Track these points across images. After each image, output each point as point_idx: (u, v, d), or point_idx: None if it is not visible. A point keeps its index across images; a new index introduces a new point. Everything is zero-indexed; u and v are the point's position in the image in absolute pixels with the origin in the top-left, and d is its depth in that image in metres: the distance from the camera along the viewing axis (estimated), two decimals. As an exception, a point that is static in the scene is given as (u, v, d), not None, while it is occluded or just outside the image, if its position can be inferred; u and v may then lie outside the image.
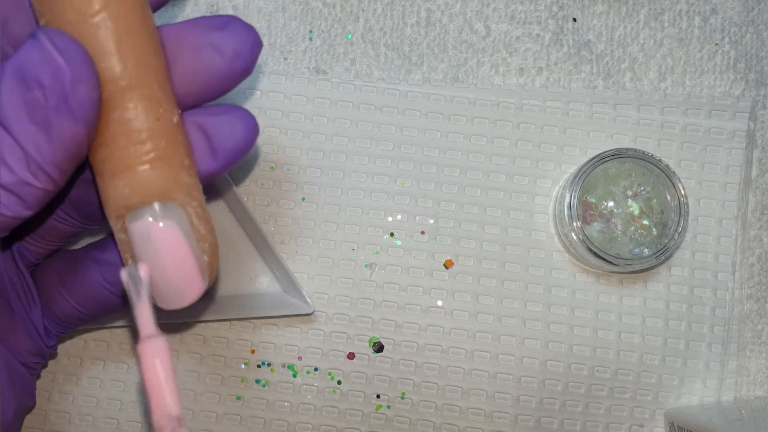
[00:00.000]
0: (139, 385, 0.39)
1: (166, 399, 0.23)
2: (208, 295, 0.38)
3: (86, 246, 0.33)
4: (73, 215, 0.32)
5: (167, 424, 0.23)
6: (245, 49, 0.27)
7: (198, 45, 0.27)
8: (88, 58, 0.24)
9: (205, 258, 0.27)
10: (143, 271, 0.25)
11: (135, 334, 0.39)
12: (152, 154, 0.25)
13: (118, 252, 0.31)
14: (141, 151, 0.25)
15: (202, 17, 0.28)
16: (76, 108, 0.23)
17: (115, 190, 0.25)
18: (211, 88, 0.28)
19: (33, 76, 0.23)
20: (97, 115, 0.24)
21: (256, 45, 0.28)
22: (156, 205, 0.25)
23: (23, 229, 0.32)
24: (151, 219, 0.25)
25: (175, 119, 0.26)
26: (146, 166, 0.25)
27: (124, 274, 0.25)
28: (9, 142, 0.24)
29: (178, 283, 0.26)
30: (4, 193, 0.24)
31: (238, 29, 0.27)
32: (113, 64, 0.25)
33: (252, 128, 0.28)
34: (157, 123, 0.25)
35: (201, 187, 0.27)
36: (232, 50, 0.27)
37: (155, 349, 0.24)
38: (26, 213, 0.25)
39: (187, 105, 0.28)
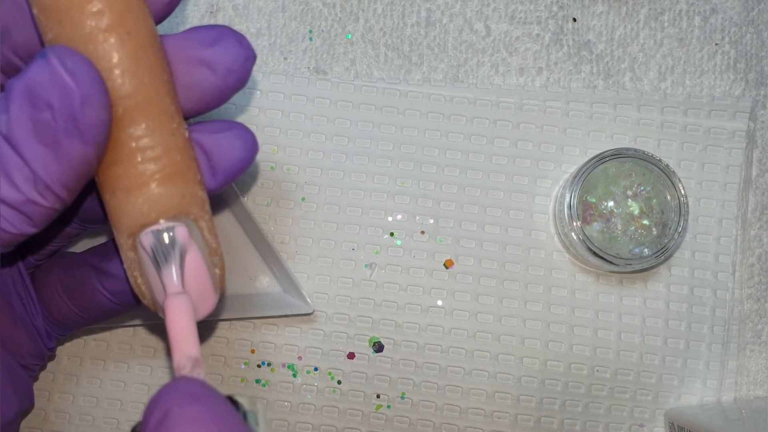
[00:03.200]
0: (138, 385, 0.39)
1: (187, 343, 0.25)
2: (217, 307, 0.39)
3: (86, 251, 0.33)
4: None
5: (186, 363, 0.24)
6: (237, 65, 0.27)
7: (190, 60, 0.27)
8: (99, 79, 0.23)
9: (217, 271, 0.27)
10: (181, 234, 0.25)
11: (135, 333, 0.39)
12: (168, 170, 0.25)
13: (120, 265, 0.31)
14: (157, 166, 0.25)
15: (195, 29, 0.27)
16: (85, 130, 0.23)
17: (133, 207, 0.25)
18: (204, 103, 0.27)
19: (42, 97, 0.23)
20: (106, 136, 0.24)
21: (249, 60, 0.27)
22: (173, 222, 0.25)
23: (30, 244, 0.32)
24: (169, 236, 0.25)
25: (186, 133, 0.26)
26: (163, 182, 0.25)
27: (148, 237, 0.25)
28: (17, 162, 0.23)
29: (194, 299, 0.26)
30: (11, 211, 0.24)
31: (230, 45, 0.27)
32: (128, 80, 0.24)
33: (251, 146, 0.28)
34: (172, 138, 0.25)
35: (209, 200, 0.27)
36: (224, 67, 0.27)
37: (180, 303, 0.25)
38: (32, 230, 0.25)
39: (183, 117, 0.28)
